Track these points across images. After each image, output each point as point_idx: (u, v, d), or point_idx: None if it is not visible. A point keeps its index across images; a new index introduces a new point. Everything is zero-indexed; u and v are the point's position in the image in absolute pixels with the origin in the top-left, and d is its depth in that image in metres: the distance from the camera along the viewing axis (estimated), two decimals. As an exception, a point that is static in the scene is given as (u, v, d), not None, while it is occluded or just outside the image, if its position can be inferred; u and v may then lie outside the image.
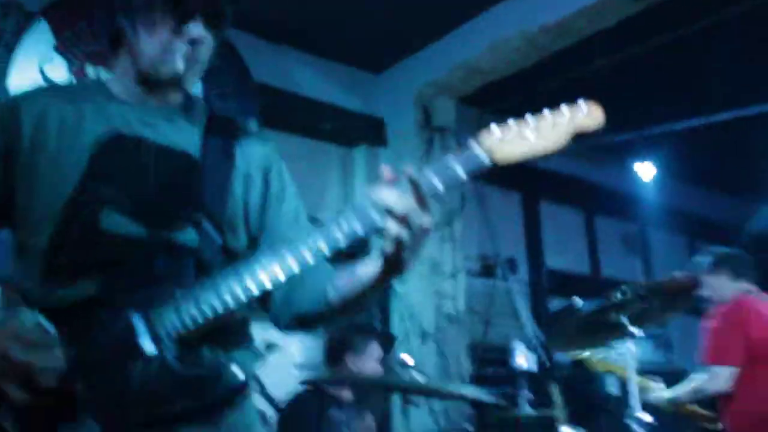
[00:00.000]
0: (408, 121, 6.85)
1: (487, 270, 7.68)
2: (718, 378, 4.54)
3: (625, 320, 4.00)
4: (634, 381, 3.97)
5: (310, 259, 1.58)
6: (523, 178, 8.27)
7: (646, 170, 8.31)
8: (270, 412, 4.79)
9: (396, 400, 5.72)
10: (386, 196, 1.52)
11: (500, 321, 7.58)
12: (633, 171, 8.45)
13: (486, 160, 1.54)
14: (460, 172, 1.54)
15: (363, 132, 6.96)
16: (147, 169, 1.77)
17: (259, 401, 5.05)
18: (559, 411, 5.25)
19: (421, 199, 1.52)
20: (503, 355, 6.39)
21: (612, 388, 6.47)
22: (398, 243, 1.55)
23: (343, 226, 1.57)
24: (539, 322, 7.75)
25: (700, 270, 4.93)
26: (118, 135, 1.78)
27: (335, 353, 4.37)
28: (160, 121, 1.85)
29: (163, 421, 1.62)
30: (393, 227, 1.53)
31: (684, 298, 4.41)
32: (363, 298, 1.77)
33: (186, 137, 1.86)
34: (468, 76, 6.58)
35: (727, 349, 4.57)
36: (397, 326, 6.35)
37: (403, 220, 1.51)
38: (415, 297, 6.46)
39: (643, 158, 8.26)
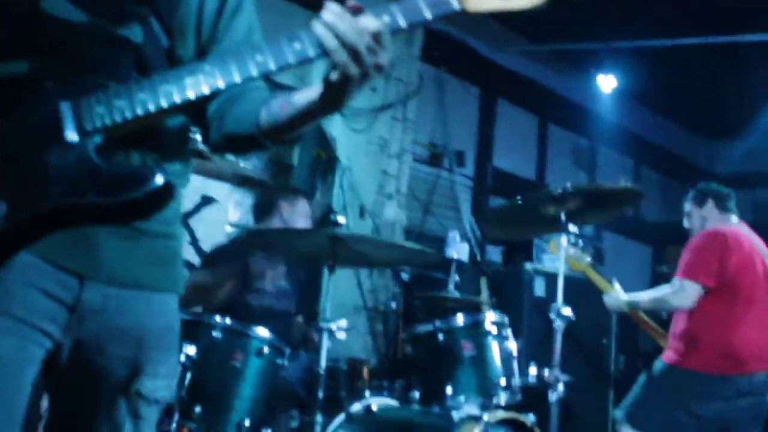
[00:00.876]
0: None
1: (434, 158, 7.65)
2: (685, 293, 4.54)
3: (562, 215, 3.99)
4: (562, 275, 4.00)
5: (255, 73, 1.49)
6: (484, 74, 8.16)
7: (607, 82, 8.23)
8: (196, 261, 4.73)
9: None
10: (345, 22, 1.42)
11: (439, 210, 7.60)
12: (593, 85, 8.38)
13: (456, 4, 1.45)
14: (427, 13, 1.45)
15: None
16: None
17: (188, 251, 4.98)
18: (484, 299, 5.32)
19: (378, 35, 1.42)
20: (438, 243, 6.45)
21: (539, 291, 6.54)
22: (344, 73, 1.45)
23: (296, 45, 1.47)
24: (477, 218, 7.80)
25: (686, 200, 4.94)
26: None
27: (266, 205, 4.28)
28: None
29: (77, 218, 1.52)
30: (342, 54, 1.42)
31: (623, 205, 4.44)
32: (294, 126, 1.65)
33: None
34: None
35: (701, 268, 4.56)
36: (335, 197, 6.29)
37: (354, 51, 1.41)
38: (359, 172, 6.40)
39: (606, 71, 8.17)
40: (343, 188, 6.26)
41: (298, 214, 4.20)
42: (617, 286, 4.87)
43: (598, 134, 9.55)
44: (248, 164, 5.57)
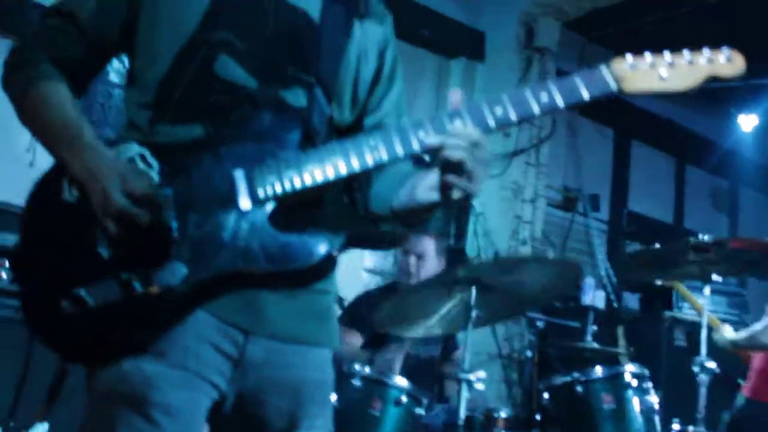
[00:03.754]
0: (509, 37, 6.68)
1: (568, 202, 7.56)
2: None
3: (704, 263, 3.89)
4: (705, 326, 3.89)
5: (417, 149, 1.57)
6: (618, 115, 8.02)
7: (748, 121, 7.94)
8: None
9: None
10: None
11: (574, 256, 7.48)
12: (732, 123, 8.10)
13: (614, 86, 1.52)
14: (585, 94, 1.52)
15: (462, 43, 6.81)
16: (266, 19, 1.73)
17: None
18: (622, 349, 5.19)
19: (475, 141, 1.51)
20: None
21: (679, 341, 6.33)
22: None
23: (457, 123, 1.56)
24: (613, 264, 7.64)
25: None
26: None
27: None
28: None
29: (245, 279, 1.61)
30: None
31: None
32: (416, 216, 1.75)
33: None
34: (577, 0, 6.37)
35: None
36: (470, 243, 6.30)
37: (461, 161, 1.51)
38: (493, 218, 6.40)
39: (747, 110, 7.89)
40: (477, 234, 6.27)
41: (430, 252, 4.20)
42: (728, 326, 4.74)
43: (739, 175, 9.22)
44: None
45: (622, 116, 8.09)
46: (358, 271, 5.82)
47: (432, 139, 1.55)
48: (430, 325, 3.49)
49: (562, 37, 6.84)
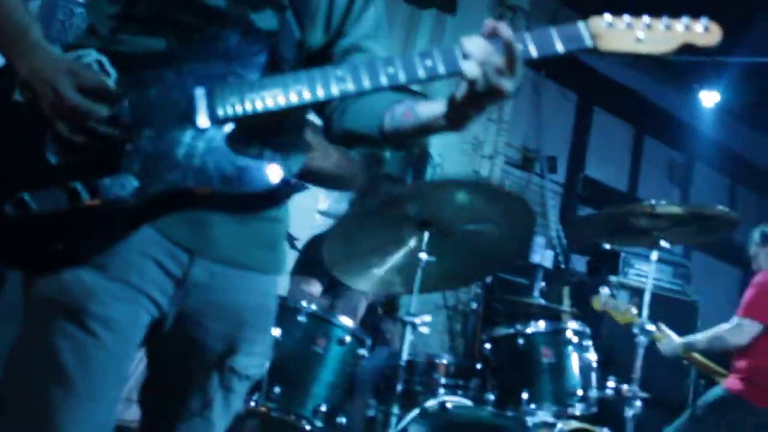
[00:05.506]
0: (482, -8, 6.64)
1: (526, 162, 7.61)
2: (742, 331, 4.58)
3: (654, 230, 3.96)
4: (649, 291, 3.97)
5: (384, 83, 1.55)
6: (583, 80, 8.07)
7: (709, 97, 8.02)
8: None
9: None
10: (478, 44, 1.46)
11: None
12: (694, 98, 8.18)
13: (589, 42, 1.51)
14: (559, 46, 1.50)
15: (434, -5, 6.75)
16: None
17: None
18: (566, 308, 5.27)
19: (511, 59, 1.45)
20: (522, 248, 6.40)
21: (623, 304, 6.44)
22: (470, 93, 1.48)
23: (427, 62, 1.53)
24: (564, 225, 7.73)
25: (752, 242, 4.93)
26: None
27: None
28: None
29: (196, 199, 1.59)
30: (472, 71, 1.45)
31: (718, 230, 4.37)
32: (414, 136, 1.70)
33: None
34: (553, -39, 6.35)
35: (760, 306, 4.60)
36: (425, 193, 6.31)
37: (485, 72, 1.45)
38: (450, 169, 6.41)
39: (709, 86, 7.97)
40: (433, 185, 6.28)
41: None
42: (667, 330, 4.79)
43: (696, 150, 9.34)
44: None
45: (587, 81, 8.14)
46: (311, 212, 5.80)
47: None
48: (387, 278, 3.42)
49: (534, -3, 6.82)
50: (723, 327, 4.69)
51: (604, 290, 4.47)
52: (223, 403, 1.72)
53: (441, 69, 1.53)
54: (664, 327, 4.78)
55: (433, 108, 1.62)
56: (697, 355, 4.90)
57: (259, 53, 1.63)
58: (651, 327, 3.92)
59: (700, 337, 4.80)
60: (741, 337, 4.57)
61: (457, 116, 1.55)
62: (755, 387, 4.51)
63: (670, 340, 4.76)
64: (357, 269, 3.32)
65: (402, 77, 1.54)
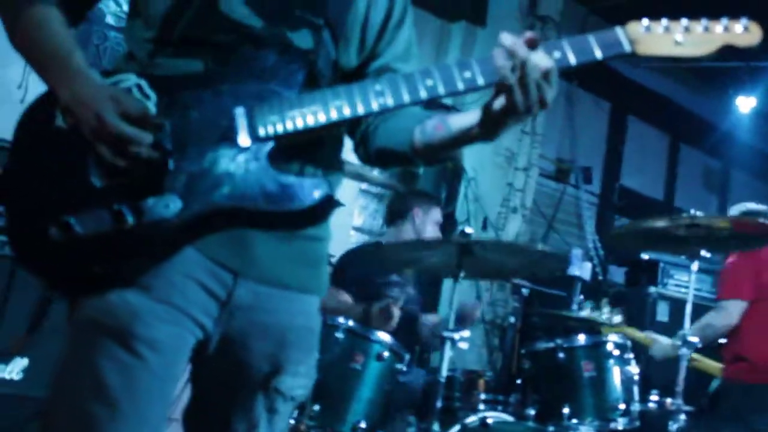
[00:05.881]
0: (512, 4, 6.64)
1: (560, 173, 7.56)
2: (728, 311, 4.54)
3: (694, 239, 3.90)
4: (690, 302, 3.91)
5: (424, 96, 1.54)
6: (617, 89, 8.00)
7: (746, 103, 7.91)
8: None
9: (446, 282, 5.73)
10: (518, 48, 1.46)
11: (563, 227, 7.50)
12: (730, 105, 8.08)
13: (628, 47, 1.49)
14: (598, 53, 1.49)
15: (464, 7, 6.74)
16: None
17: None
18: (606, 320, 5.20)
19: (549, 72, 1.45)
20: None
21: (662, 316, 6.36)
22: (508, 106, 1.47)
23: (465, 73, 1.52)
24: (601, 236, 7.66)
25: None
26: None
27: (401, 209, 4.29)
28: None
29: (239, 219, 1.58)
30: (510, 78, 1.45)
31: (758, 243, 4.31)
32: (446, 148, 1.70)
33: None
34: (582, -30, 6.33)
35: (737, 284, 4.58)
36: (460, 208, 6.29)
37: (525, 84, 1.44)
38: (484, 184, 6.38)
39: (745, 92, 7.86)
40: (467, 199, 6.26)
41: (430, 222, 4.20)
42: (655, 335, 4.72)
43: (733, 156, 9.22)
44: (375, 172, 5.63)
45: (620, 90, 8.08)
46: (346, 228, 5.80)
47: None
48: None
49: (564, 6, 6.80)
50: (708, 315, 4.64)
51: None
52: (268, 425, 1.71)
53: (480, 80, 1.52)
54: (651, 333, 4.74)
55: (465, 119, 1.61)
56: (696, 357, 4.83)
57: (298, 72, 1.63)
58: (694, 338, 3.85)
59: (692, 329, 4.71)
60: (729, 317, 4.53)
61: (492, 126, 1.54)
62: (746, 366, 4.46)
63: (659, 343, 4.69)
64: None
65: (441, 90, 1.54)
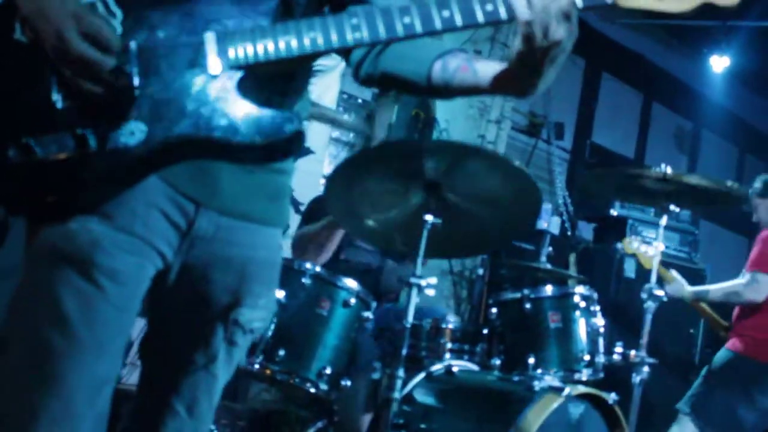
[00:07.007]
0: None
1: (532, 128, 7.54)
2: (759, 285, 4.47)
3: (662, 193, 3.92)
4: (659, 258, 3.94)
5: (401, 33, 1.48)
6: (591, 45, 7.96)
7: (719, 63, 7.91)
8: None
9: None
10: None
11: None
12: (703, 65, 8.08)
13: None
14: (579, 1, 1.43)
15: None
16: None
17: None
18: (573, 273, 5.24)
19: (569, 11, 1.41)
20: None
21: (629, 272, 6.41)
22: (530, 46, 1.42)
23: (444, 12, 1.46)
24: (571, 192, 7.68)
25: (752, 192, 4.81)
26: None
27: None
28: None
29: (204, 149, 1.52)
30: (533, 21, 1.40)
31: (726, 204, 4.34)
32: (466, 91, 1.62)
33: None
34: None
35: None
36: (431, 159, 6.25)
37: (546, 22, 1.40)
38: (456, 135, 6.35)
39: (720, 51, 7.85)
40: (438, 150, 6.22)
41: None
42: (678, 276, 4.74)
43: (705, 117, 9.25)
44: (347, 117, 5.57)
45: (595, 47, 8.03)
46: (316, 176, 5.75)
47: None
48: (384, 233, 3.30)
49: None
50: (738, 281, 4.58)
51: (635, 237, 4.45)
52: (227, 357, 1.69)
53: (458, 20, 1.46)
54: (675, 273, 4.73)
55: (493, 66, 1.55)
56: (705, 306, 4.87)
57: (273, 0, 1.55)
58: (659, 292, 3.89)
59: (713, 288, 4.70)
60: (758, 293, 4.46)
61: (520, 76, 1.49)
62: (760, 344, 4.46)
63: (678, 283, 4.70)
64: (353, 216, 3.23)
65: (419, 27, 1.47)
